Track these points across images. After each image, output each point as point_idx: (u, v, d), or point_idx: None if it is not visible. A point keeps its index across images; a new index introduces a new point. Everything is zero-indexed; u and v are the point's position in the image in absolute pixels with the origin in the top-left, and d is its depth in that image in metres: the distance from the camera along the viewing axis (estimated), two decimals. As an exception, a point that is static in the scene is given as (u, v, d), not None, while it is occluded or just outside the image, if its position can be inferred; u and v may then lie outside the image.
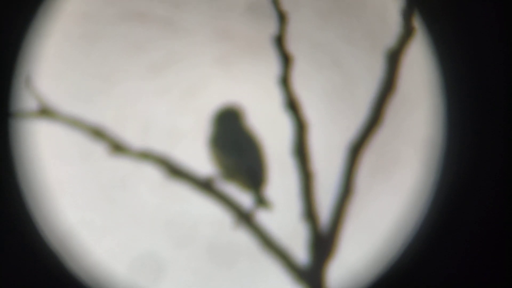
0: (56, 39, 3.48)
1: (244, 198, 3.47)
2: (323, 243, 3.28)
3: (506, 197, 3.14)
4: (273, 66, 3.51)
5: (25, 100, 3.36)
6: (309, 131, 3.22)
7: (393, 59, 3.33)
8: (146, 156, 3.43)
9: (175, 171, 3.44)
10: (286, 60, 3.17)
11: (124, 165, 3.71)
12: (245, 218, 3.40)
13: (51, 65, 3.49)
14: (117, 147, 3.41)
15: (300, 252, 3.34)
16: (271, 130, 3.59)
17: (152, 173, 3.71)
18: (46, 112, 3.40)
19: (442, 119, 3.18)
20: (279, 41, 3.15)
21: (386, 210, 3.47)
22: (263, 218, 3.42)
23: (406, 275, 3.15)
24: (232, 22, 3.78)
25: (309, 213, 3.25)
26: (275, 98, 3.55)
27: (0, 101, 3.22)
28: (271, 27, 3.40)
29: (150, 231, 3.70)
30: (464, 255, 3.14)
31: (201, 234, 3.74)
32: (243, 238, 3.63)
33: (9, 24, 3.20)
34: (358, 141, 3.36)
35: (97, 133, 3.41)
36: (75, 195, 3.62)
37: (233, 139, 3.54)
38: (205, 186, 3.45)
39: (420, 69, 3.30)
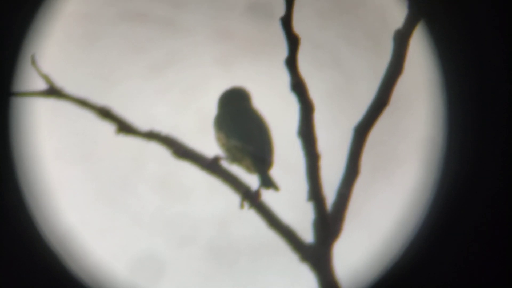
0: (57, 39, 3.48)
1: (250, 180, 3.46)
2: (329, 223, 3.29)
3: (507, 197, 3.14)
4: (273, 66, 3.52)
5: (31, 83, 3.37)
6: (315, 113, 3.23)
7: (402, 41, 3.35)
8: (153, 136, 3.43)
9: (182, 151, 3.43)
10: (293, 41, 3.17)
11: (124, 166, 3.72)
12: (251, 198, 3.40)
13: (52, 65, 3.49)
14: (124, 128, 3.41)
15: (306, 232, 3.35)
16: (275, 119, 3.59)
17: (151, 174, 3.71)
18: (54, 91, 3.40)
19: (442, 118, 3.18)
20: (286, 22, 3.15)
21: (386, 210, 3.47)
22: (270, 199, 3.42)
23: (406, 275, 3.15)
24: (232, 22, 3.78)
25: (315, 194, 3.26)
26: (275, 97, 3.56)
27: (2, 100, 3.23)
28: (271, 27, 3.41)
29: (150, 231, 3.70)
30: (464, 255, 3.14)
31: (201, 234, 3.74)
32: (243, 239, 3.64)
33: (10, 24, 3.20)
34: (365, 121, 3.38)
35: (105, 113, 3.41)
36: (75, 195, 3.63)
37: (238, 120, 3.52)
38: (211, 166, 3.44)
39: (420, 68, 3.30)
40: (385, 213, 3.47)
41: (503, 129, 3.15)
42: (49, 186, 3.26)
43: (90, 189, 3.68)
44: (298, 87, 3.23)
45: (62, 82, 3.51)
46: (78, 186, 3.66)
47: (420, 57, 3.27)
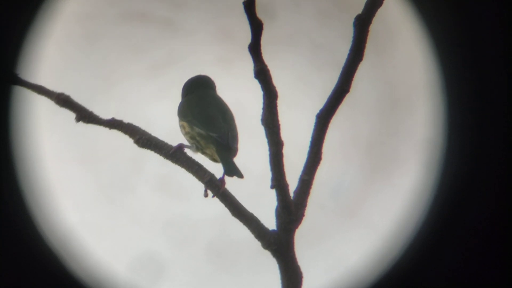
0: (57, 39, 3.48)
1: (215, 168, 3.44)
2: (292, 210, 3.30)
3: (506, 197, 3.14)
4: (273, 66, 3.51)
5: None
6: (278, 100, 3.22)
7: (362, 27, 3.33)
8: (115, 125, 3.38)
9: (144, 139, 3.39)
10: (256, 26, 3.15)
11: (124, 166, 3.72)
12: (216, 187, 3.37)
13: (52, 65, 3.49)
14: (84, 116, 3.35)
15: (270, 219, 3.34)
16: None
17: (151, 174, 3.71)
18: (10, 78, 3.34)
19: (442, 119, 3.18)
20: (250, 7, 3.13)
21: (386, 210, 3.47)
22: (234, 187, 3.40)
23: (406, 275, 3.15)
24: (232, 22, 3.78)
25: (279, 181, 3.26)
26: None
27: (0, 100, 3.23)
28: (271, 26, 3.40)
29: (150, 232, 3.70)
30: (464, 255, 3.14)
31: (201, 234, 3.74)
32: (243, 239, 3.64)
33: (11, 24, 3.20)
34: (328, 109, 3.36)
35: (63, 101, 3.35)
36: (75, 195, 3.63)
37: (201, 107, 3.48)
38: (175, 154, 3.41)
39: (420, 69, 3.30)
40: (385, 213, 3.47)
41: (503, 130, 3.15)
42: (49, 186, 3.26)
43: (90, 189, 3.68)
44: (262, 73, 3.20)
45: (63, 81, 3.51)
46: (78, 186, 3.65)
47: (420, 58, 3.26)
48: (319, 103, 3.38)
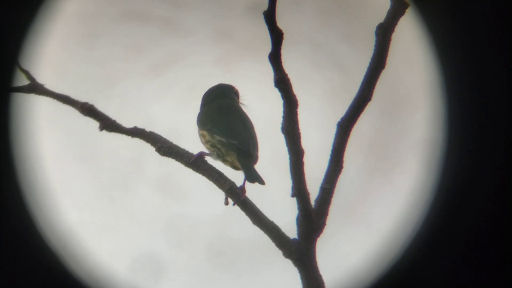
0: (57, 38, 3.47)
1: (235, 176, 3.44)
2: (313, 219, 3.29)
3: (507, 198, 3.14)
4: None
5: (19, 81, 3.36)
6: (298, 109, 3.23)
7: (384, 35, 3.34)
8: (137, 133, 3.40)
9: (166, 148, 3.41)
10: (277, 35, 3.16)
11: (124, 166, 3.72)
12: (236, 195, 3.37)
13: (52, 64, 3.49)
14: (108, 125, 3.38)
15: (291, 228, 3.34)
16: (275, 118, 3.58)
17: (151, 174, 3.71)
18: (34, 87, 3.37)
19: (443, 119, 3.18)
20: (270, 16, 3.14)
21: (387, 211, 3.47)
22: (254, 195, 3.40)
23: (406, 276, 3.15)
24: (232, 22, 3.78)
25: (299, 189, 3.26)
26: (275, 96, 3.55)
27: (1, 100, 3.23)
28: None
29: (150, 232, 3.69)
30: (464, 256, 3.14)
31: (201, 234, 3.74)
32: (243, 239, 3.63)
33: (10, 24, 3.20)
34: (349, 117, 3.37)
35: (88, 110, 3.38)
36: (75, 195, 3.62)
37: (222, 116, 3.48)
38: (196, 162, 3.42)
39: (420, 69, 3.30)
40: (384, 213, 3.47)
41: (503, 130, 3.15)
42: (49, 186, 3.26)
43: (90, 189, 3.68)
44: (282, 82, 3.22)
45: (62, 81, 3.51)
46: (78, 186, 3.65)
47: (420, 57, 3.26)
48: (320, 103, 3.37)
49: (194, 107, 3.74)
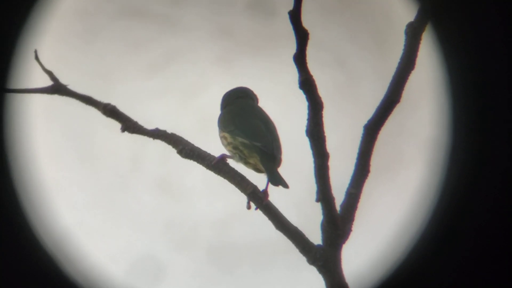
0: (55, 35, 3.46)
1: (258, 179, 3.40)
2: (338, 225, 3.24)
3: (511, 197, 3.11)
4: (273, 64, 3.49)
5: (30, 80, 3.33)
6: (324, 110, 3.17)
7: (414, 35, 3.28)
8: (159, 135, 3.37)
9: (187, 150, 3.37)
10: (302, 36, 3.10)
11: (122, 166, 3.71)
12: (259, 198, 3.34)
13: (50, 64, 3.46)
14: (130, 126, 3.36)
15: (315, 234, 3.30)
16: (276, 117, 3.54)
17: (151, 174, 3.70)
18: (58, 88, 3.36)
19: (447, 119, 3.15)
20: (295, 16, 3.07)
21: (391, 210, 3.44)
22: (277, 199, 3.36)
23: (411, 276, 3.13)
24: (232, 19, 3.76)
25: (324, 194, 3.21)
26: (275, 96, 3.52)
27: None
28: (271, 24, 3.38)
29: (150, 233, 3.68)
30: (468, 255, 3.11)
31: (201, 236, 3.72)
32: (243, 240, 3.62)
33: (8, 22, 3.18)
34: (377, 119, 3.31)
35: (110, 111, 3.36)
36: (73, 196, 3.62)
37: (244, 117, 3.45)
38: (218, 165, 3.38)
39: (425, 68, 3.26)
40: (390, 213, 3.44)
41: (508, 129, 3.13)
42: (45, 186, 3.24)
43: (87, 190, 3.67)
44: (307, 84, 3.15)
45: (62, 81, 3.49)
46: (75, 187, 3.65)
47: (426, 56, 3.23)
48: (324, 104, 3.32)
49: (195, 105, 3.72)
